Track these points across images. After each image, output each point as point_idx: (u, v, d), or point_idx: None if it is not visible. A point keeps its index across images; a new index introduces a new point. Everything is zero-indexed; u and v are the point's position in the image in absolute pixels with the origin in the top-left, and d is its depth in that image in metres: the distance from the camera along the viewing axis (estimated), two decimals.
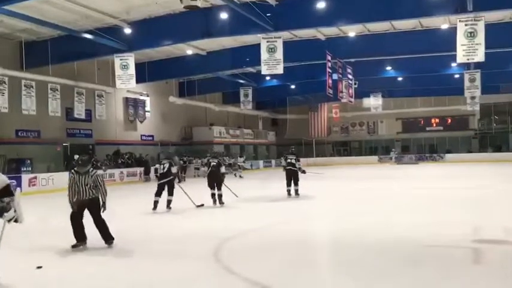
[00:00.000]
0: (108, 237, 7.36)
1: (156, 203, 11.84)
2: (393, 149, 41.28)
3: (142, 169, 25.54)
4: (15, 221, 4.53)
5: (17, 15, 16.35)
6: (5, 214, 4.43)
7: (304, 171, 14.62)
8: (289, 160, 14.11)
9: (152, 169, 24.29)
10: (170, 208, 12.00)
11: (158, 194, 11.98)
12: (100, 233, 7.34)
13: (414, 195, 15.04)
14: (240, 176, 26.27)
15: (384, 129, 44.89)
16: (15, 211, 4.50)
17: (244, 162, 29.46)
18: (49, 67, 20.60)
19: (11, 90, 19.37)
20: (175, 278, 5.69)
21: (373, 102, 37.40)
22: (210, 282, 5.55)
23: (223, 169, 12.94)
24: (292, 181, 14.14)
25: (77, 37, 18.88)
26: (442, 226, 8.55)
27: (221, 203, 12.56)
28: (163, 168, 12.13)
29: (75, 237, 7.21)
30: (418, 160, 40.12)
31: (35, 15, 16.86)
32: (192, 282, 5.55)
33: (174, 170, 12.13)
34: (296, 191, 14.17)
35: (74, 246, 7.17)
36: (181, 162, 25.34)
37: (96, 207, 7.24)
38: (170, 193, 12.06)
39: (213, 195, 12.66)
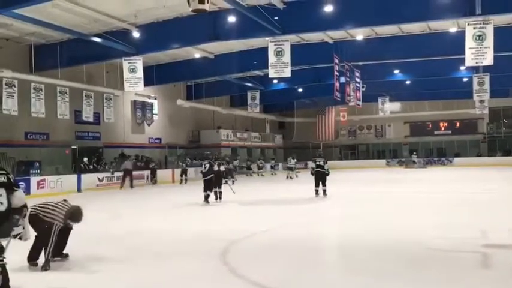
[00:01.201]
0: (37, 256, 6.20)
1: (206, 196, 13.80)
2: (414, 153, 40.71)
3: (149, 172, 25.69)
4: (20, 238, 4.64)
5: (27, 18, 16.49)
6: (14, 228, 4.55)
7: (328, 173, 15.24)
8: (318, 163, 15.06)
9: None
10: (221, 199, 14.23)
11: (206, 189, 13.91)
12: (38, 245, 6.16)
13: (422, 198, 14.95)
14: (293, 177, 27.08)
15: (391, 133, 44.72)
16: (23, 228, 4.63)
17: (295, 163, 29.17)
18: (58, 70, 20.77)
19: (20, 93, 19.52)
20: (181, 280, 5.71)
21: (381, 105, 37.31)
22: (216, 284, 5.56)
23: (222, 168, 15.15)
24: (321, 182, 15.03)
25: (85, 40, 19.04)
26: (448, 229, 8.51)
27: (220, 198, 14.40)
28: (205, 167, 14.16)
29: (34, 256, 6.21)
30: (426, 164, 39.91)
31: (44, 19, 17.03)
32: (198, 284, 5.56)
33: (215, 167, 14.30)
34: (324, 191, 15.04)
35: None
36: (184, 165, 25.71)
37: None
38: (219, 186, 14.39)
39: (215, 192, 14.39)
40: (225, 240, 7.84)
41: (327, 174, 15.05)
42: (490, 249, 6.82)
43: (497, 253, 6.66)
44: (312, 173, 15.21)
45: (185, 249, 7.51)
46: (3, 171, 4.62)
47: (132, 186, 22.52)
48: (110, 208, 14.67)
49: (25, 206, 4.67)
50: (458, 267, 5.97)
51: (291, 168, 28.05)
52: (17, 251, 4.83)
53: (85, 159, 22.71)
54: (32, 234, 5.63)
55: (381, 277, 5.59)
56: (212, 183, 14.09)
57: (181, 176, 25.30)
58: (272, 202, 14.84)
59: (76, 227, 7.16)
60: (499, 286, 5.22)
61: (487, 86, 26.24)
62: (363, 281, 5.45)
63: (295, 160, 28.84)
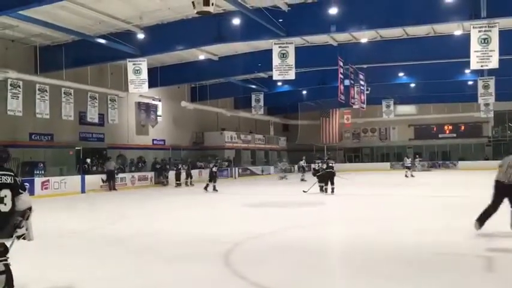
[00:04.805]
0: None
1: (321, 187, 17.49)
2: (417, 156, 40.14)
3: (153, 173, 25.83)
4: (24, 238, 4.65)
5: (32, 20, 16.54)
6: (17, 230, 4.56)
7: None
8: (330, 164, 17.49)
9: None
10: (333, 192, 16.83)
11: (321, 182, 17.52)
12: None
13: (425, 202, 14.90)
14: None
15: (396, 136, 44.59)
16: (26, 229, 4.64)
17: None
18: (63, 71, 20.84)
19: (25, 94, 19.57)
20: (184, 282, 5.70)
21: (385, 108, 37.19)
22: (219, 286, 5.55)
23: (324, 165, 17.71)
24: (330, 181, 17.19)
25: (90, 42, 19.08)
26: (452, 233, 8.48)
27: (332, 192, 17.05)
28: (317, 166, 18.36)
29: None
30: (430, 167, 39.74)
31: (50, 21, 17.08)
32: (201, 286, 5.55)
33: (324, 166, 17.62)
34: (332, 190, 17.06)
35: None
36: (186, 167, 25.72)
37: None
38: (331, 182, 17.13)
39: (321, 187, 17.74)
40: (230, 242, 7.83)
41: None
42: (493, 254, 6.80)
43: (501, 257, 6.63)
44: (319, 173, 17.82)
45: (189, 251, 7.49)
46: (11, 173, 4.60)
47: (115, 188, 21.94)
48: (115, 209, 14.70)
49: (29, 208, 4.66)
50: (462, 270, 5.94)
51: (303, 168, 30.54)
52: (21, 250, 4.83)
53: (88, 160, 22.75)
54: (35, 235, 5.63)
55: (384, 281, 5.56)
56: (326, 178, 17.24)
57: (187, 178, 25.31)
58: (277, 204, 14.82)
59: (79, 228, 7.19)
60: None
61: (492, 89, 26.15)
62: (367, 285, 5.42)
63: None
